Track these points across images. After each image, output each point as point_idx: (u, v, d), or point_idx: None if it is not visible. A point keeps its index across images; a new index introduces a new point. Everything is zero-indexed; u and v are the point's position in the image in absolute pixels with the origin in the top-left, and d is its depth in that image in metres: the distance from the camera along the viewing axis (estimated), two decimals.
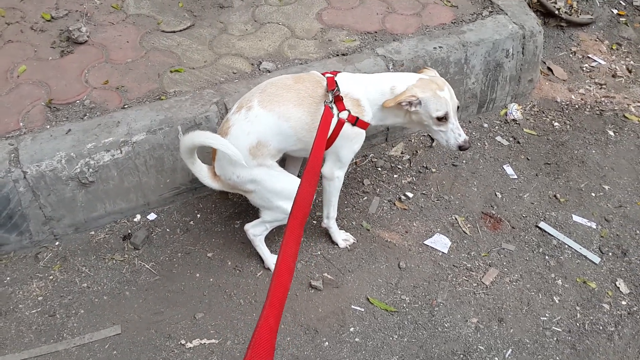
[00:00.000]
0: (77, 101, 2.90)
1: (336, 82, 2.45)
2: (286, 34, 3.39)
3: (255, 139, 2.42)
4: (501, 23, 3.53)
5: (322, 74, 2.54)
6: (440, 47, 3.31)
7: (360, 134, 2.53)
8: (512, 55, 3.51)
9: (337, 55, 3.24)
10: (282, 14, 3.53)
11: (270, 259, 2.72)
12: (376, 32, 3.43)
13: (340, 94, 2.44)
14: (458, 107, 2.52)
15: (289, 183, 2.52)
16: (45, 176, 2.60)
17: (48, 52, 3.17)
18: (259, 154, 2.44)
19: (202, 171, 2.55)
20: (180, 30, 3.36)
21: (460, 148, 2.52)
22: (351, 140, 2.53)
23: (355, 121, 2.47)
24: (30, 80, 2.99)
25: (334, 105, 2.40)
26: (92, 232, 2.83)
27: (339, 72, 2.58)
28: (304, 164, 2.28)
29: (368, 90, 2.51)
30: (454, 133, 2.50)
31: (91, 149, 2.64)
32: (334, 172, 2.60)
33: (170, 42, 3.27)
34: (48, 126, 2.76)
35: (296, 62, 3.19)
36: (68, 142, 2.66)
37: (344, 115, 2.43)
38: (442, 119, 2.46)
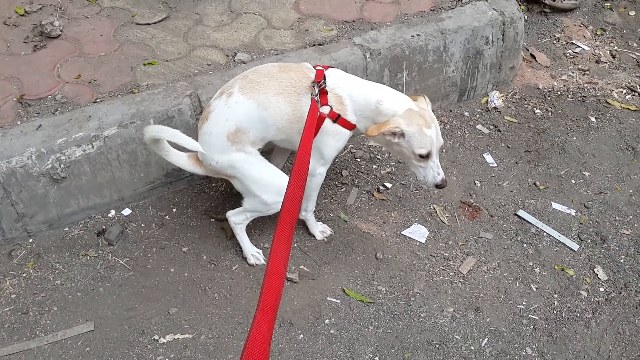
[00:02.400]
0: (49, 96, 2.86)
1: (324, 76, 2.41)
2: (262, 24, 3.35)
3: (233, 125, 2.40)
4: (480, 10, 3.49)
5: (314, 66, 2.50)
6: (418, 35, 3.27)
7: (340, 133, 2.48)
8: (492, 42, 3.47)
9: (314, 45, 3.21)
10: (259, 4, 3.49)
11: (249, 249, 2.70)
12: (354, 21, 3.40)
13: (326, 88, 2.39)
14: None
15: (267, 173, 2.50)
16: (16, 172, 2.57)
17: (21, 47, 3.13)
18: (237, 141, 2.42)
19: (181, 160, 2.53)
20: (155, 23, 3.31)
21: (437, 186, 2.47)
22: (332, 138, 2.48)
23: (337, 118, 2.43)
24: (2, 76, 2.95)
25: (318, 98, 2.36)
26: (66, 229, 2.80)
27: (332, 67, 2.54)
28: (292, 157, 2.24)
29: (355, 92, 2.44)
30: (433, 171, 2.44)
31: (62, 144, 2.61)
32: (316, 168, 2.57)
33: (145, 35, 3.23)
34: (19, 122, 2.73)
35: (272, 52, 3.15)
36: (38, 137, 2.63)
37: (325, 110, 2.40)
38: (424, 157, 2.40)
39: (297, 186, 1.77)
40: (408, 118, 2.36)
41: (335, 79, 2.45)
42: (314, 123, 2.21)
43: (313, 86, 2.38)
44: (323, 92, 2.39)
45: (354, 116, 2.46)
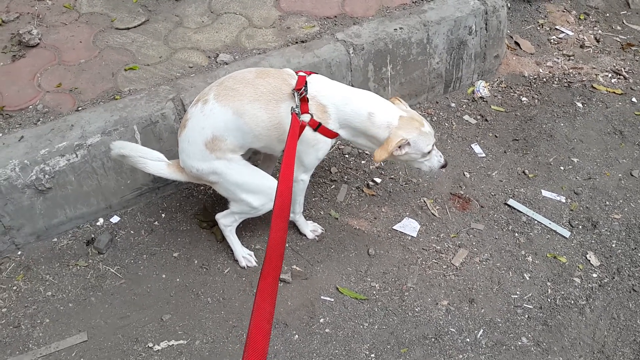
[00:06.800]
0: (30, 106, 2.82)
1: (306, 83, 2.35)
2: (244, 24, 3.32)
3: (210, 133, 2.36)
4: None
5: (296, 72, 2.44)
6: (401, 28, 3.25)
7: (321, 141, 2.43)
8: (476, 31, 3.46)
9: (296, 42, 3.18)
10: (239, 3, 3.46)
11: (240, 251, 2.68)
12: (336, 17, 3.37)
13: (307, 95, 2.34)
14: None
15: (251, 177, 2.47)
16: (0, 185, 2.54)
17: None
18: (216, 148, 2.38)
19: (161, 169, 2.50)
20: (135, 27, 3.28)
21: (443, 167, 2.62)
22: (312, 147, 2.44)
23: (317, 127, 2.38)
24: None
25: (299, 110, 2.30)
26: (55, 239, 2.77)
27: (315, 73, 2.50)
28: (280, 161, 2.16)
29: (340, 101, 2.39)
30: (436, 157, 2.56)
31: (45, 154, 2.58)
32: (298, 176, 2.52)
33: (125, 40, 3.19)
34: (0, 134, 2.69)
35: (254, 52, 3.13)
36: (21, 149, 2.59)
37: (305, 118, 2.35)
38: (430, 151, 2.51)
39: (279, 229, 1.62)
40: (404, 127, 2.41)
41: (318, 87, 2.39)
42: (294, 145, 2.09)
43: (293, 94, 2.32)
44: (304, 100, 2.33)
45: (336, 124, 2.42)
